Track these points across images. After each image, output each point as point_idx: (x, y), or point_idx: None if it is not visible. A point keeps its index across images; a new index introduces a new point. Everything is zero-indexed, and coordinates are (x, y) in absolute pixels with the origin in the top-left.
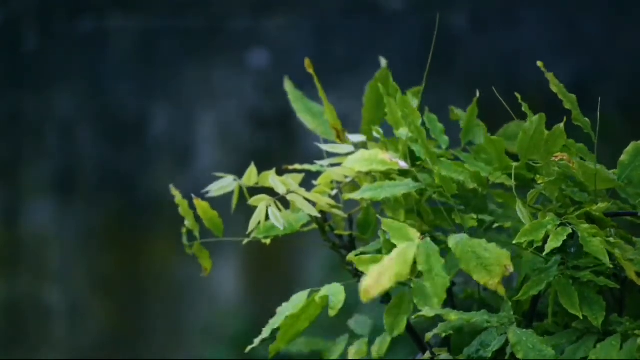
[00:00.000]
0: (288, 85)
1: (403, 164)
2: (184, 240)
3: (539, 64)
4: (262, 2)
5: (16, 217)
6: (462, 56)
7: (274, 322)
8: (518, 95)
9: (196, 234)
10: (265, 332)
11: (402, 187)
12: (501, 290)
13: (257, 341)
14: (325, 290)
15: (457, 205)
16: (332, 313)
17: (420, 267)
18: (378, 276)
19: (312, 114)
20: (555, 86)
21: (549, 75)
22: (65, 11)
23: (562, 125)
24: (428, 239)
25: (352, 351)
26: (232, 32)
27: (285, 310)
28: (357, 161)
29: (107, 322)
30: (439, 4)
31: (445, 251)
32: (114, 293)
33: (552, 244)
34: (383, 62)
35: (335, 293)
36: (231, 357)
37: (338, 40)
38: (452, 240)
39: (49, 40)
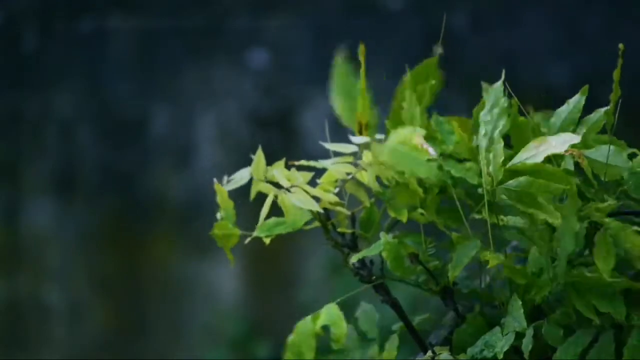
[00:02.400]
0: (339, 57)
1: (432, 152)
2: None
3: (621, 46)
4: (262, 2)
5: (16, 217)
6: (462, 56)
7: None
8: (504, 84)
9: (231, 224)
10: None
11: (425, 167)
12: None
13: None
14: (324, 317)
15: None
16: (336, 346)
17: None
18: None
19: (349, 96)
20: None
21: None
22: (65, 11)
23: (603, 110)
24: None
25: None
26: (232, 32)
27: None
28: (391, 142)
29: (107, 322)
30: (439, 4)
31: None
32: (114, 293)
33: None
34: (438, 50)
35: (334, 323)
36: (231, 358)
37: (338, 40)
38: None
39: (49, 40)
